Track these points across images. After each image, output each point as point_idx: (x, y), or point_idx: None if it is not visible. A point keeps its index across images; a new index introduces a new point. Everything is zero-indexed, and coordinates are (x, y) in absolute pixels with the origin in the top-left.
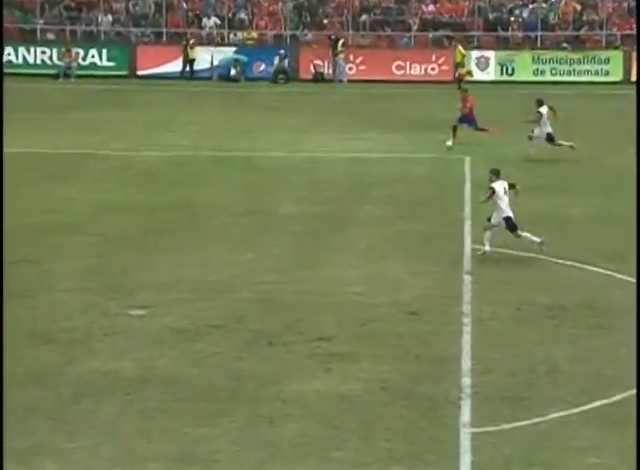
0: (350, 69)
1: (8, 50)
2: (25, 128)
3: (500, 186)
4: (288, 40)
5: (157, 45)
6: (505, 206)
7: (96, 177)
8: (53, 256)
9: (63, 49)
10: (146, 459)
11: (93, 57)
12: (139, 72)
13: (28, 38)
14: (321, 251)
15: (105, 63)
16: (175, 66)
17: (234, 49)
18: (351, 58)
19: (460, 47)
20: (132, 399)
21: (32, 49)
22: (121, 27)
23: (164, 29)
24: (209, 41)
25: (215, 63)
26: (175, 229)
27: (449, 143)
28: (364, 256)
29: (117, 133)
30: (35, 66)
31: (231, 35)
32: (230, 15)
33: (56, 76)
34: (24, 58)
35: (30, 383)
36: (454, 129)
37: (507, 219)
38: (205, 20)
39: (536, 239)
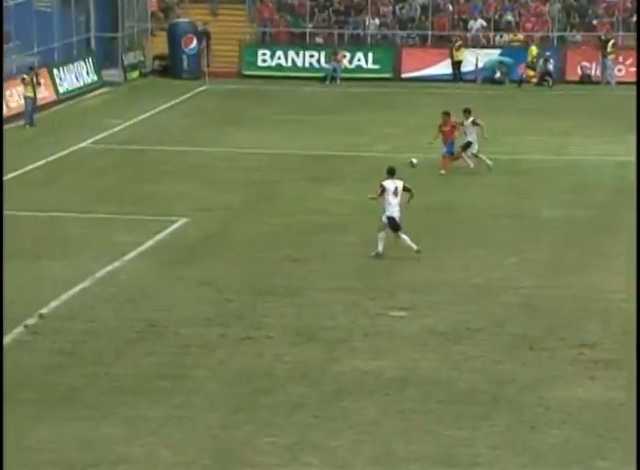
0: (619, 70)
1: (278, 54)
2: (291, 130)
3: (391, 185)
4: (554, 41)
5: (422, 48)
6: (393, 205)
7: (359, 178)
8: (317, 255)
9: (331, 52)
10: (406, 460)
11: (359, 60)
12: (403, 75)
13: (298, 42)
14: (585, 255)
15: (370, 66)
16: (439, 69)
17: (499, 51)
18: (621, 59)
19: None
20: (392, 399)
21: (301, 53)
22: (388, 31)
23: (430, 32)
24: (475, 43)
25: (480, 65)
26: (437, 231)
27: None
28: (631, 261)
29: (381, 135)
30: (304, 69)
31: (497, 37)
32: (496, 17)
33: (323, 79)
34: (294, 61)
35: (295, 380)
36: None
37: (390, 219)
38: (471, 22)
39: (414, 246)
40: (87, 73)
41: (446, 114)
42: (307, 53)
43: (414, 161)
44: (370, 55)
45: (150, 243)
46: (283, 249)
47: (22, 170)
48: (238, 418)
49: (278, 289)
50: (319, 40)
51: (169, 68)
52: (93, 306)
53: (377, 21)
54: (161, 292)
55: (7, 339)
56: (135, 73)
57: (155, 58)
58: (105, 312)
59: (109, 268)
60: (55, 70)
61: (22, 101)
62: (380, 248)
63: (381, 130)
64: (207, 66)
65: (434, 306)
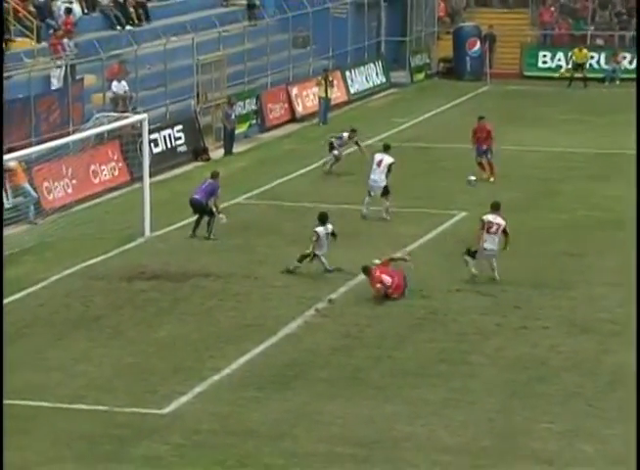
0: None
1: (558, 55)
2: (572, 129)
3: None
4: None
5: None
6: (375, 175)
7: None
8: (593, 251)
9: (611, 54)
10: None
11: None
12: None
13: (578, 44)
14: None
15: None
16: None
17: None
18: None
19: None
20: None
21: None
22: None
23: None
24: None
25: None
26: None
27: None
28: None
29: None
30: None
31: None
32: None
33: (602, 80)
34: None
35: (570, 369)
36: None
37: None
38: None
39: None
40: (376, 75)
41: (481, 118)
42: (589, 54)
43: (472, 178)
44: None
45: (430, 235)
46: (560, 244)
47: (313, 166)
48: (514, 404)
49: (554, 282)
50: (599, 42)
51: (453, 69)
52: None
53: None
54: (441, 281)
55: (299, 321)
56: (421, 75)
57: (440, 60)
58: (388, 299)
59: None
60: (347, 73)
61: (316, 101)
62: (365, 210)
63: None
64: (490, 67)
65: None
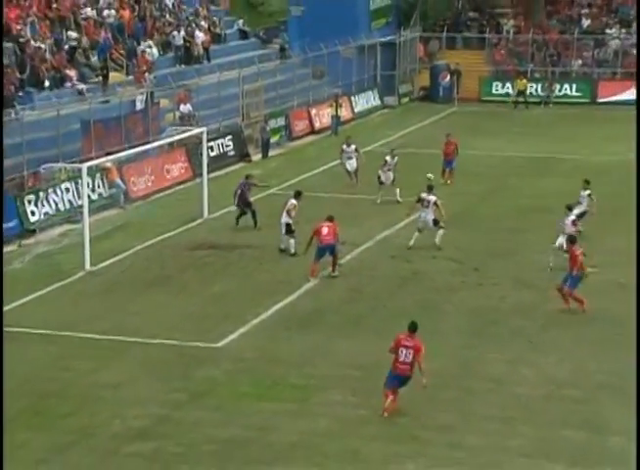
0: None
1: (507, 85)
2: (518, 139)
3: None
4: None
5: (612, 81)
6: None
7: (566, 174)
8: (531, 227)
9: (545, 84)
10: (594, 373)
11: (566, 89)
12: (599, 100)
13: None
14: None
15: (574, 93)
16: (627, 95)
17: None
18: None
19: None
20: (586, 330)
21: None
22: (587, 68)
23: (619, 70)
24: None
25: None
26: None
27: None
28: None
29: (581, 143)
30: (526, 96)
31: None
32: None
33: (539, 103)
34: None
35: (515, 315)
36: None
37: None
38: None
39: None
40: (373, 99)
41: (448, 134)
42: (528, 84)
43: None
44: (574, 85)
45: (414, 217)
46: (508, 222)
47: (325, 166)
48: (473, 341)
49: (503, 250)
50: (537, 75)
51: (430, 95)
52: (374, 260)
53: (579, 61)
54: (422, 249)
55: (316, 279)
56: (406, 99)
57: (420, 88)
58: (382, 264)
59: (385, 234)
60: (352, 97)
61: (329, 118)
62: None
63: (582, 139)
64: (457, 93)
65: (616, 264)
